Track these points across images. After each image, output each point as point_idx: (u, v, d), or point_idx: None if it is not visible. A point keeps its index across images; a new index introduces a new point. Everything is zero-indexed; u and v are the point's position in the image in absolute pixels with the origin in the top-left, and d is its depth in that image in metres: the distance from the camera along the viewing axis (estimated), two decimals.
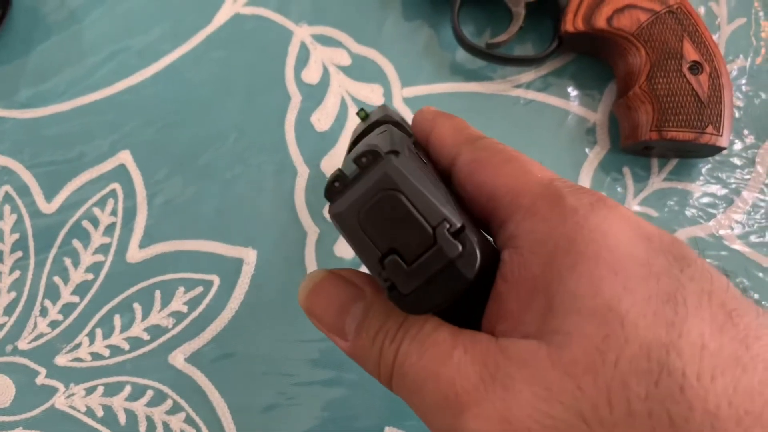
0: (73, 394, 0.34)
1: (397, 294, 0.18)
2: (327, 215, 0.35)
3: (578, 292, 0.17)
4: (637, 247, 0.17)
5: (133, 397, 0.34)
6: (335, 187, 0.18)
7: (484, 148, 0.22)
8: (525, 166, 0.20)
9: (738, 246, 0.36)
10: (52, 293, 0.35)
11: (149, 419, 0.34)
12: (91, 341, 0.34)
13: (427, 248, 0.17)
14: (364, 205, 0.18)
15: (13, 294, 0.35)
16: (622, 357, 0.15)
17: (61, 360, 0.34)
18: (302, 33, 0.38)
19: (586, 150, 0.37)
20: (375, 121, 0.26)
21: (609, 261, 0.17)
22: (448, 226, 0.17)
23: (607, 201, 0.18)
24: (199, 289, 0.35)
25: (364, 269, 0.27)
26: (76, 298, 0.35)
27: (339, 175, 0.18)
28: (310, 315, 0.22)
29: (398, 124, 0.25)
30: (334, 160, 0.36)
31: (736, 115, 0.37)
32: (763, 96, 0.38)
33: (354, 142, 0.27)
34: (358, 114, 0.29)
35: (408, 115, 0.37)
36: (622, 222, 0.18)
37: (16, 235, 0.36)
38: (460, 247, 0.17)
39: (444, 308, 0.18)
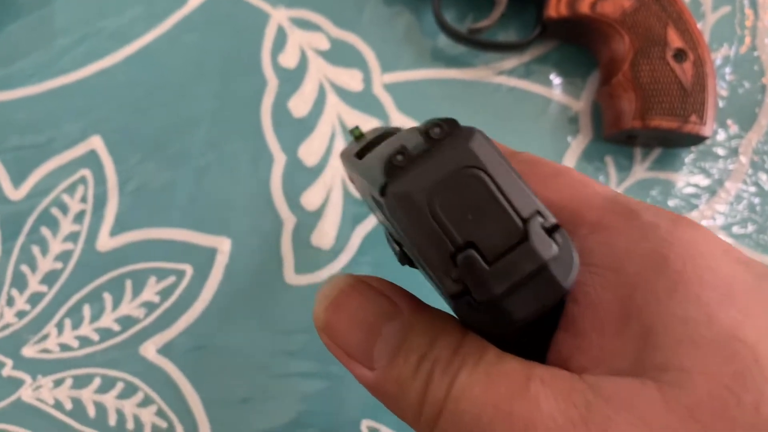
0: (40, 387, 0.33)
1: (469, 302, 0.14)
2: (305, 204, 0.35)
3: (688, 317, 0.14)
4: (738, 270, 0.15)
5: (103, 389, 0.33)
6: (398, 161, 0.14)
7: (526, 161, 0.19)
8: (581, 179, 0.18)
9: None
10: (20, 282, 0.34)
11: (119, 412, 0.33)
12: (60, 332, 0.33)
13: (515, 245, 0.14)
14: (438, 185, 0.14)
15: None
16: (765, 400, 0.13)
17: (29, 351, 0.33)
18: (279, 16, 0.37)
19: (569, 139, 0.36)
20: (382, 134, 0.22)
21: (715, 283, 0.14)
22: (541, 219, 0.14)
23: (688, 219, 0.16)
24: (172, 279, 0.34)
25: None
26: (44, 288, 0.34)
27: (402, 148, 0.15)
28: (327, 333, 0.18)
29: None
30: (311, 147, 0.35)
31: (720, 104, 0.37)
32: (747, 85, 0.37)
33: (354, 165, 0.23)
34: (352, 132, 0.25)
35: (389, 104, 0.36)
36: (712, 242, 0.15)
37: None
38: (556, 248, 0.14)
39: (519, 329, 0.15)
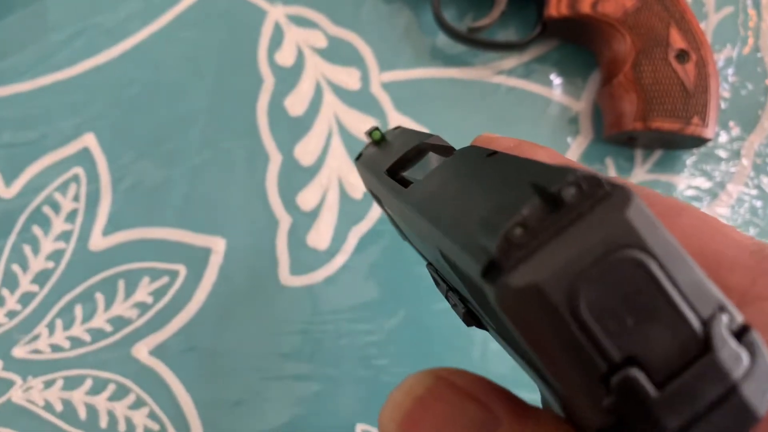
0: (30, 388, 0.32)
1: None
2: (301, 204, 0.34)
3: None
4: None
5: (95, 390, 0.32)
6: (517, 238, 0.10)
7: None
8: (711, 223, 0.14)
9: None
10: (10, 282, 0.33)
11: (111, 414, 0.32)
12: (51, 332, 0.33)
13: (693, 359, 0.10)
14: (583, 275, 0.10)
15: None
16: None
17: (19, 352, 0.33)
18: (276, 13, 0.37)
19: (569, 139, 0.36)
20: (417, 147, 0.18)
21: None
22: (726, 319, 0.10)
23: None
24: (165, 279, 0.33)
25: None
26: (35, 287, 0.33)
27: (525, 219, 0.10)
28: None
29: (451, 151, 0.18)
30: (308, 147, 0.35)
31: (722, 106, 0.36)
32: (750, 87, 0.37)
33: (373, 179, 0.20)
34: (370, 134, 0.22)
35: (387, 103, 0.36)
36: None
37: None
38: (747, 359, 0.10)
39: None
